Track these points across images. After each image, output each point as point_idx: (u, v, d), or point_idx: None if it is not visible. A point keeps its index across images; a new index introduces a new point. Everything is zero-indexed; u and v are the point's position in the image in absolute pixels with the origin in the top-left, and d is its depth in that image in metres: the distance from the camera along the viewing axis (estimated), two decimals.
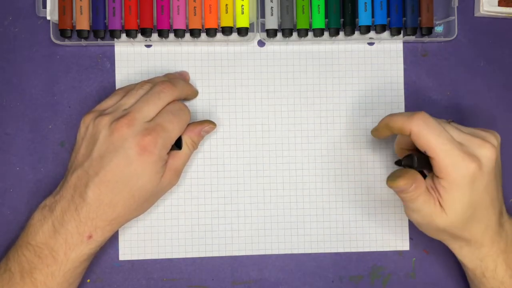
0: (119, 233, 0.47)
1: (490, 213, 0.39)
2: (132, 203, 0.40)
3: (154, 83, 0.43)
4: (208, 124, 0.45)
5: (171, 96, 0.42)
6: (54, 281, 0.40)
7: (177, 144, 0.43)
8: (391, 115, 0.40)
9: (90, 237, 0.40)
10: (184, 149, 0.44)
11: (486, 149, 0.38)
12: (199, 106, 0.47)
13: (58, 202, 0.40)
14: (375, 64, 0.48)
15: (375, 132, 0.44)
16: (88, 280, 0.46)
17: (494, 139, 0.39)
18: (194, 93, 0.47)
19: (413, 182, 0.38)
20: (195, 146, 0.45)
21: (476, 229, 0.39)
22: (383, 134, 0.42)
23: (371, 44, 0.48)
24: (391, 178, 0.39)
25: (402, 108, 0.48)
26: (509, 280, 0.41)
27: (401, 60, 0.49)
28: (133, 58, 0.47)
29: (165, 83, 0.42)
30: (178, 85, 0.43)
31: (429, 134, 0.37)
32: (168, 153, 0.42)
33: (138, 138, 0.39)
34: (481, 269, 0.41)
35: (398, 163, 0.41)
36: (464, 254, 0.41)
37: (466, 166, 0.37)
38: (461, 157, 0.37)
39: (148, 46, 0.47)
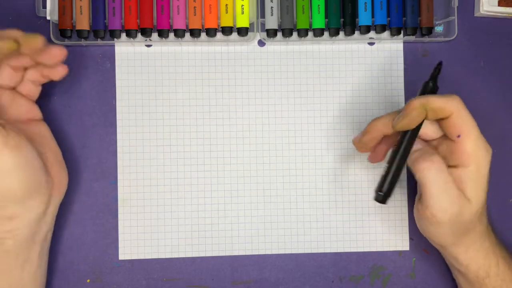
0: (119, 232, 0.47)
1: (484, 208, 0.40)
2: None
3: None
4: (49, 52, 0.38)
5: None
6: None
7: None
8: (424, 98, 0.37)
9: None
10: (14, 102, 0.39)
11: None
12: (199, 106, 0.47)
13: None
14: (375, 64, 0.48)
15: (404, 119, 0.38)
16: (88, 280, 0.46)
17: None
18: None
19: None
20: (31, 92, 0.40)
21: (484, 219, 0.40)
22: (415, 119, 0.38)
23: (371, 44, 0.48)
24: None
25: (400, 106, 0.48)
26: (509, 275, 0.41)
27: (401, 60, 0.49)
28: (133, 58, 0.47)
29: None
30: None
31: (468, 117, 0.37)
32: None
33: None
34: (484, 268, 0.41)
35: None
36: (470, 255, 0.41)
37: (488, 152, 0.38)
38: (485, 144, 0.38)
39: (148, 46, 0.48)
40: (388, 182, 0.38)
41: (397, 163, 0.38)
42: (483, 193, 0.38)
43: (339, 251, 0.47)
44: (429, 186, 0.37)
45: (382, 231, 0.48)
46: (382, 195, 0.38)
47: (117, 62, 0.47)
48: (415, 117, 0.37)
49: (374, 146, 0.41)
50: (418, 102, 0.37)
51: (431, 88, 0.39)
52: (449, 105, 0.37)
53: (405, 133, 0.39)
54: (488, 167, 0.38)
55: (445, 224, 0.38)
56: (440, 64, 0.40)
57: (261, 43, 0.48)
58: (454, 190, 0.38)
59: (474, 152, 0.37)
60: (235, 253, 0.47)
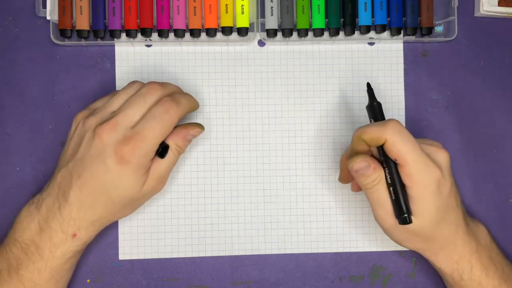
0: (119, 232, 0.47)
1: (458, 214, 0.41)
2: (112, 208, 0.41)
3: (143, 85, 0.42)
4: (194, 128, 0.43)
5: (162, 100, 0.41)
6: (40, 278, 0.40)
7: (162, 151, 0.42)
8: (362, 128, 0.39)
9: (74, 235, 0.40)
10: (169, 155, 0.42)
11: (442, 154, 0.39)
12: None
13: (44, 199, 0.41)
14: (375, 64, 0.48)
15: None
16: (88, 280, 0.46)
17: (441, 145, 0.41)
18: (196, 106, 0.44)
19: (371, 163, 0.39)
20: (180, 151, 0.43)
21: (446, 230, 0.40)
22: (360, 147, 0.40)
23: (371, 44, 0.48)
24: (350, 158, 0.40)
25: (402, 108, 0.48)
26: (486, 280, 0.41)
27: (401, 60, 0.49)
28: (133, 58, 0.47)
29: (153, 84, 0.41)
30: (180, 101, 0.41)
31: (402, 142, 0.38)
32: (152, 159, 0.41)
33: (116, 147, 0.39)
34: (458, 272, 0.42)
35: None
36: (440, 259, 0.42)
37: (431, 172, 0.38)
38: (427, 165, 0.38)
39: (148, 46, 0.47)
40: (402, 201, 0.39)
41: (398, 183, 0.39)
42: (433, 209, 0.39)
43: (339, 251, 0.47)
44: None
45: (382, 231, 0.48)
46: (406, 216, 0.39)
47: (117, 62, 0.47)
48: (357, 148, 0.40)
49: (350, 178, 0.44)
50: (355, 134, 0.40)
51: (374, 107, 0.41)
52: (381, 134, 0.38)
53: (384, 153, 0.39)
54: (436, 185, 0.38)
55: (391, 227, 0.40)
56: (368, 84, 0.42)
57: (261, 43, 0.48)
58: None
59: (414, 174, 0.38)
60: (235, 253, 0.47)
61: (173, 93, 0.42)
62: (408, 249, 0.47)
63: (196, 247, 0.47)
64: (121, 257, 0.47)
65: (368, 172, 0.39)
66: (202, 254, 0.47)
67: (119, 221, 0.47)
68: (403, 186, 0.39)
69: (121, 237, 0.47)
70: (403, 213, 0.39)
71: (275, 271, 0.47)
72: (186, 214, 0.47)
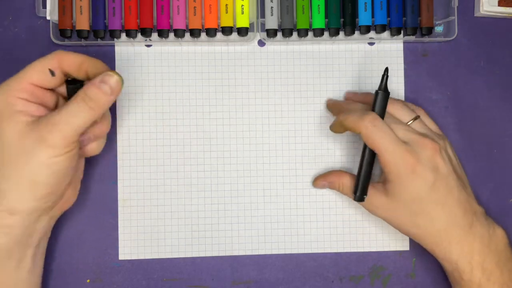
0: (119, 232, 0.47)
1: (450, 212, 0.41)
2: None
3: None
4: (108, 71, 0.38)
5: None
6: None
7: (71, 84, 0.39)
8: (345, 115, 0.42)
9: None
10: (73, 103, 0.37)
11: (427, 150, 0.40)
12: (199, 106, 0.47)
13: None
14: (375, 64, 0.48)
15: (332, 128, 0.45)
16: (88, 280, 0.46)
17: (442, 143, 0.42)
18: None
19: (326, 180, 0.46)
20: (90, 104, 0.37)
21: (431, 225, 0.41)
22: (339, 130, 0.44)
23: (371, 44, 0.48)
24: (313, 181, 0.47)
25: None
26: (486, 283, 0.41)
27: (401, 60, 0.49)
28: (133, 58, 0.47)
29: None
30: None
31: (376, 135, 0.40)
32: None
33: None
34: (458, 272, 0.42)
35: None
36: (440, 257, 0.42)
37: (404, 161, 0.40)
38: (401, 154, 0.40)
39: (148, 46, 0.47)
40: (361, 181, 0.43)
41: (365, 165, 0.42)
42: (407, 196, 0.41)
43: (339, 251, 0.47)
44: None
45: (382, 231, 0.48)
46: (359, 195, 0.43)
47: (117, 62, 0.47)
48: (338, 130, 0.44)
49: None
50: (338, 119, 0.43)
51: (375, 94, 0.42)
52: (357, 126, 0.40)
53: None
54: (410, 175, 0.40)
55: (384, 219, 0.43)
56: (386, 69, 0.42)
57: (261, 43, 0.48)
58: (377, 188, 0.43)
59: (388, 163, 0.40)
60: (235, 253, 0.47)
61: None
62: (408, 249, 0.47)
63: (196, 247, 0.47)
64: (121, 257, 0.47)
65: (328, 187, 0.47)
66: (202, 254, 0.47)
67: (119, 221, 0.47)
68: (370, 167, 0.42)
69: (121, 237, 0.47)
70: (356, 192, 0.43)
71: (275, 271, 0.47)
72: (186, 214, 0.47)
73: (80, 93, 0.37)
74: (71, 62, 0.39)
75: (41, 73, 0.38)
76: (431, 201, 0.41)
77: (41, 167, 0.37)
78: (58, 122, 0.37)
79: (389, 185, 0.41)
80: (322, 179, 0.47)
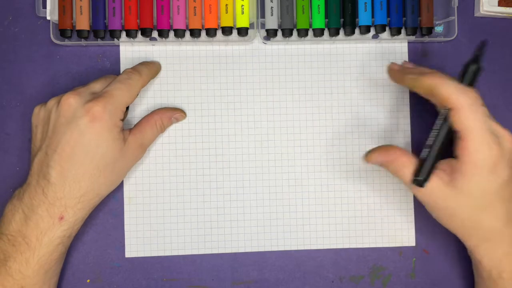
0: (125, 230, 0.47)
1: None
2: (96, 175, 0.40)
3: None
4: (179, 112, 0.46)
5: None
6: (28, 269, 0.40)
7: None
8: (438, 80, 0.37)
9: (61, 218, 0.40)
10: (152, 129, 0.44)
11: (508, 143, 0.38)
12: (198, 104, 0.47)
13: (25, 190, 0.40)
14: (375, 64, 0.48)
15: (402, 80, 0.41)
16: (88, 280, 0.46)
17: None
18: (158, 69, 0.47)
19: (394, 157, 0.39)
20: (163, 128, 0.46)
21: (494, 221, 0.38)
22: (411, 85, 0.39)
23: (375, 36, 0.48)
24: (366, 154, 0.41)
25: (407, 106, 0.48)
26: None
27: (401, 60, 0.48)
28: (137, 56, 0.47)
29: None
30: (141, 70, 0.44)
31: (473, 117, 0.36)
32: (123, 120, 0.42)
33: (86, 106, 0.39)
34: (498, 270, 0.40)
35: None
36: (482, 252, 0.40)
37: (490, 152, 0.36)
38: (490, 145, 0.36)
39: (153, 39, 0.47)
40: (429, 165, 0.38)
41: (437, 148, 0.38)
42: (479, 190, 0.37)
43: (339, 247, 0.47)
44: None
45: (388, 227, 0.47)
46: (423, 180, 0.38)
47: (122, 60, 0.47)
48: (418, 90, 0.39)
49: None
50: (428, 81, 0.37)
51: (466, 67, 0.37)
52: (455, 100, 0.36)
53: (444, 119, 0.38)
54: (490, 167, 0.37)
55: (435, 209, 0.39)
56: (483, 43, 0.37)
57: (261, 43, 0.48)
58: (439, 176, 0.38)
59: (470, 151, 0.36)
60: (235, 250, 0.47)
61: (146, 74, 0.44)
62: (408, 249, 0.47)
63: (196, 244, 0.47)
64: (128, 254, 0.47)
65: (380, 164, 0.40)
66: (202, 252, 0.47)
67: (125, 219, 0.47)
68: (442, 150, 0.37)
69: (127, 235, 0.47)
70: (418, 175, 0.38)
71: (275, 271, 0.47)
72: (185, 212, 0.47)
73: (157, 121, 0.45)
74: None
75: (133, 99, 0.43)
76: (500, 196, 0.38)
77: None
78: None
79: (459, 175, 0.37)
80: (379, 155, 0.40)
